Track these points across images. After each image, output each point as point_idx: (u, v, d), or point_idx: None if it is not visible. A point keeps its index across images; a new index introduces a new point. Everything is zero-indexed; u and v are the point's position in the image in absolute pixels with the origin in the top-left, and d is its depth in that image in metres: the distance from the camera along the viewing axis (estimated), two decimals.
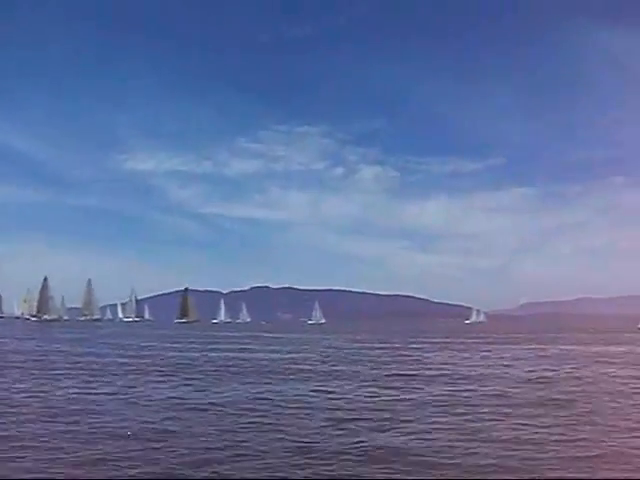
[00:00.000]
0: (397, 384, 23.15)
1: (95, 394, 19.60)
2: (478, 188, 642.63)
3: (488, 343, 59.40)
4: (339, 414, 15.92)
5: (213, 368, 29.99)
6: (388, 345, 55.46)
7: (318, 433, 13.40)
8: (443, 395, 19.75)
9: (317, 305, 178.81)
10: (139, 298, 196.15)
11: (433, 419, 15.24)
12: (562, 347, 50.85)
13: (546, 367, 30.74)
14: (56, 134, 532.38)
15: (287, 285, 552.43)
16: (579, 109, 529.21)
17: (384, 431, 13.70)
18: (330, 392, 20.54)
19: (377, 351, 45.69)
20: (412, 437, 12.99)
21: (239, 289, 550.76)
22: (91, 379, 24.19)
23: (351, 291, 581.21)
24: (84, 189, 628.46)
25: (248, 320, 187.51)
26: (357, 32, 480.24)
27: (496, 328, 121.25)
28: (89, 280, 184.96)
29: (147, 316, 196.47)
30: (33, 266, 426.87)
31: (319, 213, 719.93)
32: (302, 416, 15.69)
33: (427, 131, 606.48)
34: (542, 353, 42.96)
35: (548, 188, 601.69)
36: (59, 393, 19.78)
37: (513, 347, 51.70)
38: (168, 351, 44.27)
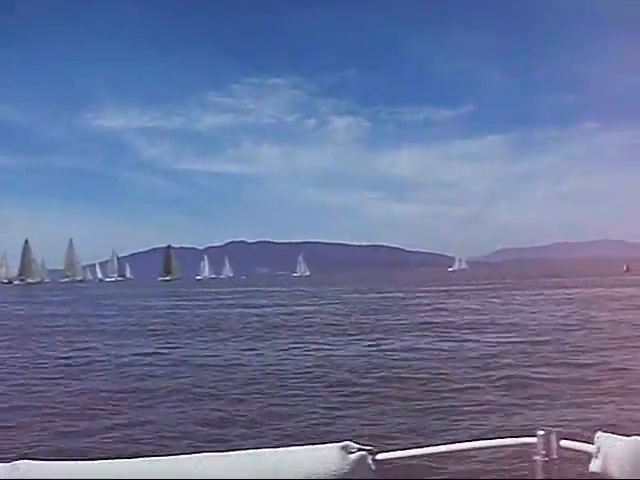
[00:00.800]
0: (450, 333, 23.10)
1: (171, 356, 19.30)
2: (451, 136, 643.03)
3: (491, 290, 59.38)
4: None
5: (252, 326, 29.13)
6: (391, 295, 55.30)
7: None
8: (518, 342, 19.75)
9: (301, 258, 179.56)
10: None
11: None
12: (570, 291, 50.95)
13: (575, 310, 31.10)
14: (24, 94, 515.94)
15: (263, 239, 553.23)
16: (552, 55, 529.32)
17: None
18: (411, 348, 19.76)
19: (389, 301, 45.75)
20: None
21: (216, 245, 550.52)
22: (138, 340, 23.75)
23: (326, 243, 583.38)
24: (54, 149, 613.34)
25: (231, 275, 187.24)
26: None
27: (482, 275, 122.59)
28: (70, 240, 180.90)
29: (128, 275, 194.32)
30: (6, 230, 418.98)
31: (292, 166, 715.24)
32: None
33: (398, 80, 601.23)
34: (557, 297, 43.39)
35: (521, 134, 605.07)
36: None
37: (520, 293, 51.32)
38: (180, 309, 43.78)
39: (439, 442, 2.04)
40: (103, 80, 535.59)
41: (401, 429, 9.62)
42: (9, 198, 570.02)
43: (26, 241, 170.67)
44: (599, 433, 1.77)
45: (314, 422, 10.32)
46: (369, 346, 20.43)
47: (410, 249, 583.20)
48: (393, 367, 15.98)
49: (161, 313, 39.91)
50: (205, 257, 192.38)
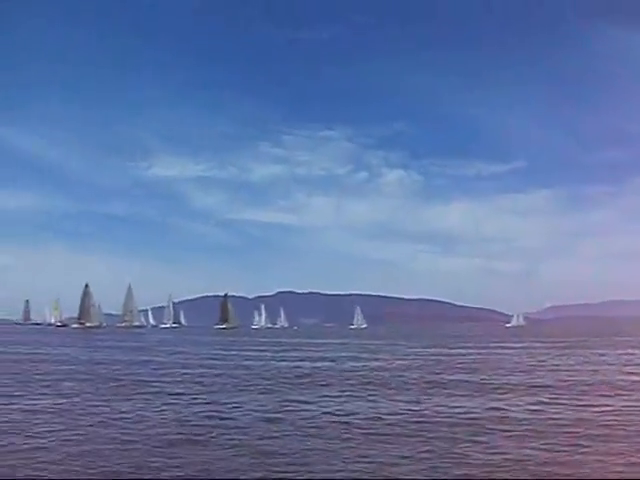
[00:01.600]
0: (554, 394, 22.31)
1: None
2: (501, 191, 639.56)
3: (564, 348, 58.08)
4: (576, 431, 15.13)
5: (355, 379, 28.54)
6: (466, 350, 54.23)
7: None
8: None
9: (359, 310, 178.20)
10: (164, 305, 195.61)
11: None
12: None
13: None
14: (80, 142, 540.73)
15: (312, 290, 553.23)
16: (604, 111, 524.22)
17: None
18: (502, 408, 18.91)
19: (467, 357, 44.77)
20: None
21: (265, 294, 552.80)
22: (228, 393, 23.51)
23: (375, 295, 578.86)
24: (109, 197, 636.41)
25: (286, 325, 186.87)
26: (377, 34, 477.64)
27: (543, 332, 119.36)
28: (129, 286, 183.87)
29: (182, 322, 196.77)
30: (59, 274, 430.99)
31: (343, 218, 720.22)
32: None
33: (450, 134, 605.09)
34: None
35: (572, 190, 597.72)
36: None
37: (594, 351, 50.59)
38: (255, 360, 43.55)
39: None
40: (156, 130, 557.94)
41: None
42: (62, 243, 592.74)
43: (86, 285, 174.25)
44: None
45: None
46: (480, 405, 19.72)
47: (459, 303, 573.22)
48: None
49: (249, 365, 38.83)
50: (262, 306, 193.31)
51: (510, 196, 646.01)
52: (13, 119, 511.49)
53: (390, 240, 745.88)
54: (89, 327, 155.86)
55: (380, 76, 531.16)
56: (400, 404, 20.05)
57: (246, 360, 43.09)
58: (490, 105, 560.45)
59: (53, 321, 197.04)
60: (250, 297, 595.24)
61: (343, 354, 50.78)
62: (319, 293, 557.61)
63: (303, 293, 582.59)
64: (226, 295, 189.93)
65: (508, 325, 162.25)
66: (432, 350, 55.95)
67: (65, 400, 20.98)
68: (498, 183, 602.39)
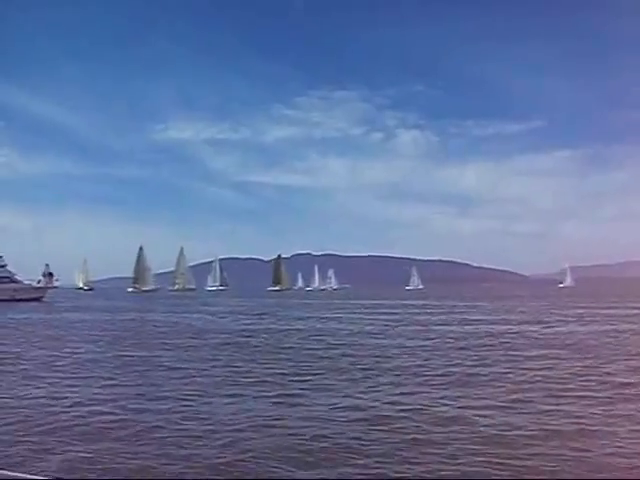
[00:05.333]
0: None
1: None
2: (519, 151, 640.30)
3: None
4: None
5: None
6: (550, 312, 52.07)
7: None
8: None
9: (414, 271, 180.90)
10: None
11: None
12: None
13: None
14: (94, 108, 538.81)
15: (328, 252, 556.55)
16: (627, 69, 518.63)
17: None
18: None
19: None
20: None
21: (283, 256, 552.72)
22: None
23: (392, 257, 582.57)
24: (123, 160, 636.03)
25: (336, 287, 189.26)
26: None
27: (600, 292, 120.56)
28: (181, 249, 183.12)
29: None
30: (75, 237, 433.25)
31: (358, 179, 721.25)
32: None
33: (467, 94, 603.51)
34: None
35: (591, 150, 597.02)
36: None
37: None
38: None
39: None
40: (171, 93, 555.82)
41: None
42: (78, 207, 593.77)
43: (140, 248, 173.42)
44: None
45: None
46: None
47: (475, 264, 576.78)
48: None
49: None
50: (315, 267, 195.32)
51: (528, 157, 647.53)
52: (27, 83, 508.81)
53: (406, 201, 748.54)
54: (145, 291, 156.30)
55: (396, 36, 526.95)
56: None
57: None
58: (509, 64, 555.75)
59: (81, 285, 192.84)
60: (266, 259, 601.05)
61: (491, 317, 48.37)
62: (336, 254, 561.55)
63: (319, 255, 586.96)
64: (279, 257, 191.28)
65: (561, 285, 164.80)
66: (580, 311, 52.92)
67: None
68: (516, 143, 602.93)
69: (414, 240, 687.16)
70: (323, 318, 48.50)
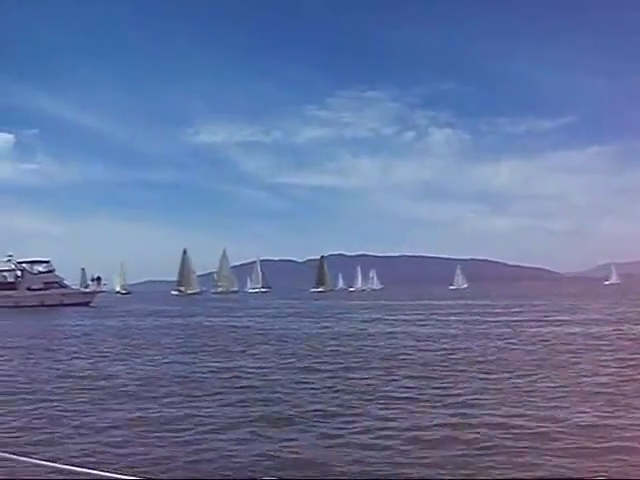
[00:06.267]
0: None
1: None
2: (552, 148, 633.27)
3: None
4: None
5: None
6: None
7: None
8: None
9: (459, 271, 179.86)
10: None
11: None
12: None
13: None
14: (125, 112, 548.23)
15: (361, 252, 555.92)
16: None
17: None
18: None
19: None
20: None
21: (315, 257, 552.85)
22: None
23: (425, 256, 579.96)
24: (157, 164, 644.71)
25: (378, 287, 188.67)
26: None
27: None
28: (224, 251, 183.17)
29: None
30: (110, 242, 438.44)
31: (391, 178, 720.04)
32: None
33: (498, 91, 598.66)
34: None
35: (625, 146, 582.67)
36: None
37: None
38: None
39: None
40: (202, 97, 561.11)
41: None
42: (110, 212, 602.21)
43: (184, 251, 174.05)
44: None
45: None
46: None
47: (510, 263, 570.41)
48: None
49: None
50: (358, 268, 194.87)
51: (561, 153, 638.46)
52: (59, 90, 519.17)
53: (438, 200, 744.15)
54: (190, 294, 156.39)
55: (424, 34, 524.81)
56: None
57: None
58: (538, 60, 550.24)
59: (118, 289, 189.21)
60: (300, 261, 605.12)
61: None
62: (369, 255, 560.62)
63: (353, 255, 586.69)
64: (323, 257, 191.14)
65: (607, 283, 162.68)
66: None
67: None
68: (548, 140, 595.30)
69: (447, 239, 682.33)
70: (403, 321, 47.05)
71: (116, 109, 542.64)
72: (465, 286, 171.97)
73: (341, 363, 23.39)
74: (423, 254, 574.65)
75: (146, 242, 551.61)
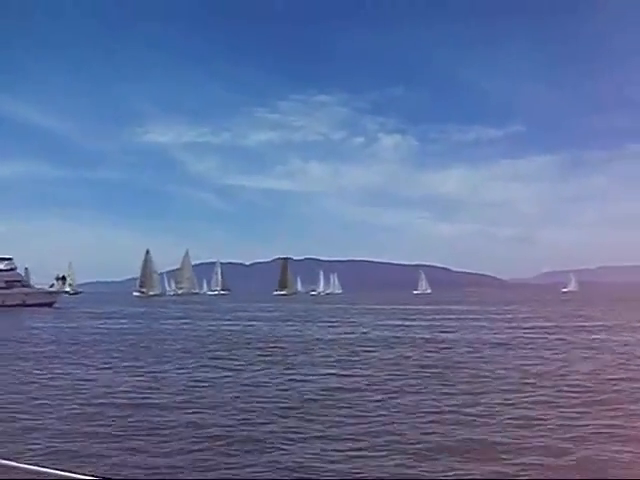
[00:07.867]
0: None
1: None
2: (499, 156, 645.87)
3: None
4: None
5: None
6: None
7: None
8: None
9: (423, 276, 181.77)
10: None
11: None
12: None
13: None
14: (73, 109, 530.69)
15: (309, 256, 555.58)
16: (602, 76, 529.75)
17: None
18: None
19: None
20: None
21: (262, 260, 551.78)
22: None
23: (372, 261, 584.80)
24: (104, 163, 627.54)
25: (339, 291, 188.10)
26: None
27: (604, 296, 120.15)
28: (187, 251, 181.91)
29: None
30: (54, 241, 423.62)
31: (339, 183, 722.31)
32: None
33: (447, 99, 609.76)
34: None
35: (570, 156, 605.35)
36: None
37: None
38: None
39: None
40: (151, 97, 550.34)
41: None
42: (54, 210, 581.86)
43: (147, 252, 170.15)
44: None
45: None
46: None
47: (455, 269, 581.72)
48: None
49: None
50: (320, 272, 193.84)
51: (508, 161, 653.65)
52: (5, 85, 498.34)
53: (386, 206, 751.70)
54: (151, 295, 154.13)
55: (376, 40, 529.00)
56: None
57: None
58: (487, 68, 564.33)
59: (67, 289, 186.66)
60: (247, 263, 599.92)
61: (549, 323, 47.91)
62: (316, 259, 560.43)
63: (301, 260, 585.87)
64: (286, 259, 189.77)
65: (564, 290, 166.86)
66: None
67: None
68: (496, 148, 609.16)
69: (394, 244, 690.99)
70: (396, 326, 45.79)
71: (64, 106, 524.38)
72: (429, 291, 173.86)
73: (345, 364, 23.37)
74: (370, 259, 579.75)
75: (91, 242, 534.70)
